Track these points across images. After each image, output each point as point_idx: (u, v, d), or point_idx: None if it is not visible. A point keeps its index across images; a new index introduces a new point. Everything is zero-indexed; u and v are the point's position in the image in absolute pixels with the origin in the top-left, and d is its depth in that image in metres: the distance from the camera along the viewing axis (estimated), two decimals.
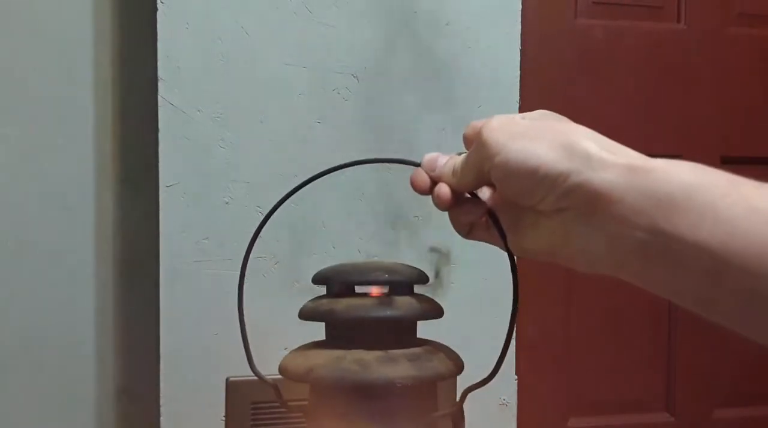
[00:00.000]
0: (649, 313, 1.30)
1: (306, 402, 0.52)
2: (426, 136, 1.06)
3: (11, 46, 1.08)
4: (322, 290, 0.52)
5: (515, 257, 0.44)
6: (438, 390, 0.50)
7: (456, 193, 0.41)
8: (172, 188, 1.01)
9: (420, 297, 0.50)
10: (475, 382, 0.48)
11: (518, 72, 1.10)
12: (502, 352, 0.47)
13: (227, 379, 1.01)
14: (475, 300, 1.08)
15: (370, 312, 0.47)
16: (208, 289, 1.01)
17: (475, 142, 0.38)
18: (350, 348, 0.46)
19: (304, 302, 0.53)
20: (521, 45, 1.11)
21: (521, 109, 1.10)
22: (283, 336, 1.03)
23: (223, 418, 1.02)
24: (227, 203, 1.02)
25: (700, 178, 0.32)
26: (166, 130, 1.00)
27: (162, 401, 1.01)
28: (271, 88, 1.03)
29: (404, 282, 0.49)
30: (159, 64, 0.99)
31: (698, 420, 1.32)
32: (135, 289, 1.12)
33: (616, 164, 0.33)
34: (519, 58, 1.10)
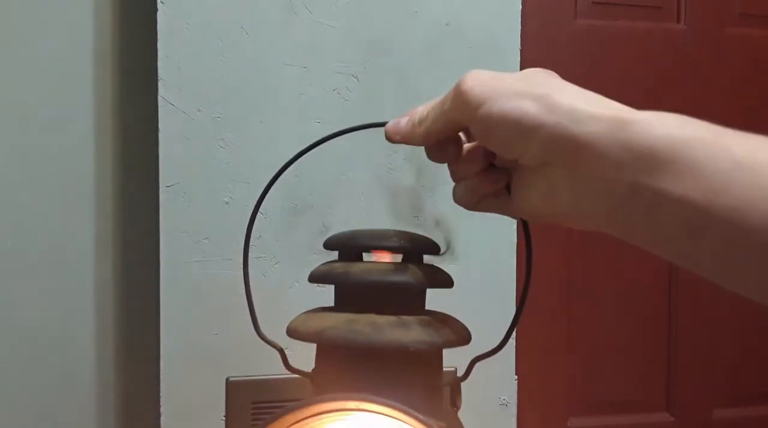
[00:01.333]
0: (650, 313, 1.30)
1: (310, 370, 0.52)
2: None
3: (11, 46, 1.08)
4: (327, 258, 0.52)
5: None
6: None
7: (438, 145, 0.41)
8: (172, 188, 1.01)
9: (431, 266, 0.50)
10: (483, 352, 0.49)
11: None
12: (512, 322, 0.48)
13: (227, 379, 1.01)
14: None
15: (386, 276, 0.47)
16: (208, 289, 1.01)
17: (453, 92, 0.38)
18: (362, 312, 0.46)
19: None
20: (521, 45, 1.11)
21: None
22: (284, 336, 1.03)
23: (223, 418, 1.02)
24: (227, 203, 1.02)
25: (684, 130, 0.31)
26: (166, 130, 1.00)
27: (162, 401, 1.01)
28: (271, 88, 1.03)
29: (417, 249, 0.49)
30: (159, 64, 0.99)
31: (698, 420, 1.32)
32: (135, 289, 1.12)
33: (600, 116, 0.33)
34: (519, 58, 1.10)
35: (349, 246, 0.50)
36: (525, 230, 0.46)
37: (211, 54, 1.01)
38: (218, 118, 1.02)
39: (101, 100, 1.11)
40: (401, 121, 0.42)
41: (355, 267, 0.48)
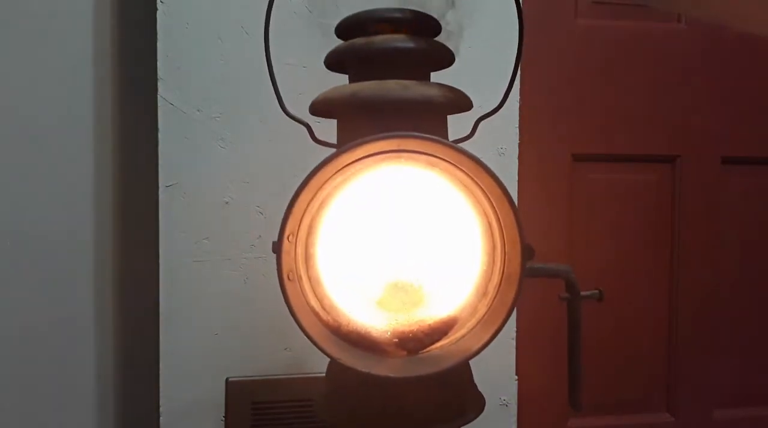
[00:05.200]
0: (650, 313, 1.30)
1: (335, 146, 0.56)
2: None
3: (11, 46, 1.07)
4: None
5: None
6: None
7: None
8: (171, 188, 1.01)
9: (437, 42, 0.54)
10: (486, 112, 0.55)
11: (518, 72, 1.10)
12: (510, 81, 0.56)
13: (227, 379, 1.01)
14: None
15: (408, 42, 0.51)
16: (208, 289, 1.01)
17: None
18: (385, 79, 0.50)
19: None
20: (521, 45, 1.10)
21: (521, 110, 1.10)
22: (284, 336, 1.03)
23: (223, 418, 1.02)
24: (227, 203, 1.02)
25: None
26: (166, 130, 1.00)
27: (162, 401, 1.01)
28: (271, 88, 1.03)
29: (429, 27, 0.53)
30: (159, 64, 0.99)
31: (698, 421, 1.32)
32: (135, 289, 1.12)
33: None
34: (519, 58, 1.10)
35: (367, 20, 0.52)
36: (517, 3, 0.52)
37: (211, 54, 1.01)
38: (218, 118, 1.02)
39: (101, 100, 1.11)
40: None
41: (377, 39, 0.51)
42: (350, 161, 0.47)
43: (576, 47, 1.24)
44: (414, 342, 0.50)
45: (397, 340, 0.49)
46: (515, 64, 0.52)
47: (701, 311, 1.31)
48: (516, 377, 1.14)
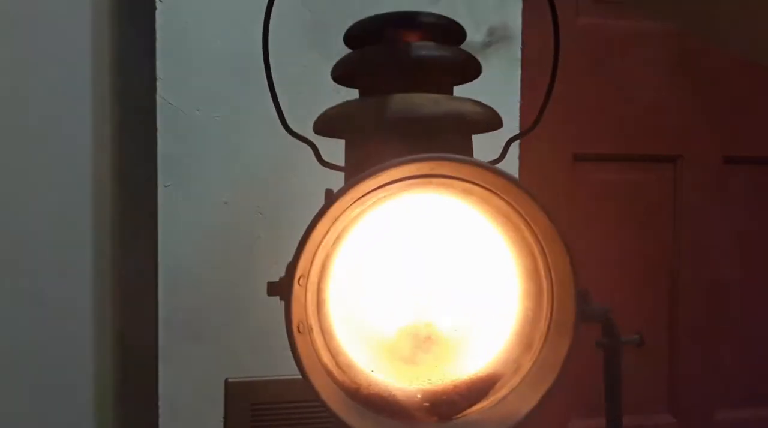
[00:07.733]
0: (650, 314, 1.29)
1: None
2: None
3: (9, 45, 1.07)
4: None
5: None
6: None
7: None
8: (171, 188, 1.00)
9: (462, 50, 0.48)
10: (516, 133, 0.49)
11: (518, 71, 1.10)
12: (544, 101, 0.46)
13: (226, 380, 1.01)
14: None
15: (437, 51, 0.43)
16: (207, 290, 1.01)
17: None
18: (408, 92, 0.43)
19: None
20: (521, 44, 1.10)
21: (521, 108, 1.10)
22: (284, 336, 1.03)
23: (223, 419, 1.02)
24: (226, 203, 1.01)
25: None
26: (165, 130, 1.00)
27: (161, 402, 1.01)
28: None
29: (455, 33, 0.47)
30: (158, 63, 0.99)
31: (700, 421, 1.32)
32: (133, 290, 1.12)
33: None
34: (520, 56, 1.10)
35: (380, 26, 0.44)
36: (550, 3, 0.46)
37: (211, 53, 1.01)
38: (218, 117, 1.01)
39: (99, 99, 1.10)
40: None
41: (402, 47, 0.43)
42: (372, 188, 0.38)
43: (577, 46, 1.24)
44: (448, 406, 0.41)
45: (428, 404, 0.41)
46: (551, 79, 0.46)
47: (703, 311, 1.31)
48: None
